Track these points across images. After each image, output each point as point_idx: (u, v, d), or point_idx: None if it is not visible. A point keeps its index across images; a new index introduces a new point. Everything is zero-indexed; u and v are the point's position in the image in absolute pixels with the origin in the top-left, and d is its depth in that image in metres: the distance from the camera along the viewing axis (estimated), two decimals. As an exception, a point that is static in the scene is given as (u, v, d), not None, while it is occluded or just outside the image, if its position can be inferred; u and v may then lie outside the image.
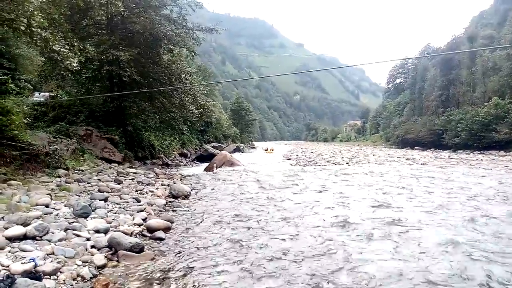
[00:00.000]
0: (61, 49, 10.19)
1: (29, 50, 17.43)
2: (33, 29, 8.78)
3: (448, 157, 32.68)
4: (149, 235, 6.66)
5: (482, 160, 27.91)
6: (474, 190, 11.80)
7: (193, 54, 21.11)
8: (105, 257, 5.17)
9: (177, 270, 4.97)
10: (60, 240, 5.38)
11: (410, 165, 23.81)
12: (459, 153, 38.79)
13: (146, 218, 7.68)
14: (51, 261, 4.57)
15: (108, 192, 9.58)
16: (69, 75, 15.40)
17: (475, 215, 8.11)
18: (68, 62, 10.54)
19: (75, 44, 12.29)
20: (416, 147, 53.85)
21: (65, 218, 6.54)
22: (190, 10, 19.39)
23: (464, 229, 7.02)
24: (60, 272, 4.40)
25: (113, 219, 7.04)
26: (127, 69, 16.45)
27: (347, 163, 26.11)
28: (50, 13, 10.53)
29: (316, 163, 26.68)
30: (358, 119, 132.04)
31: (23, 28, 8.48)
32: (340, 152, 43.53)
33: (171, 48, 19.24)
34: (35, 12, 8.69)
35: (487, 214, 8.16)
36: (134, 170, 14.98)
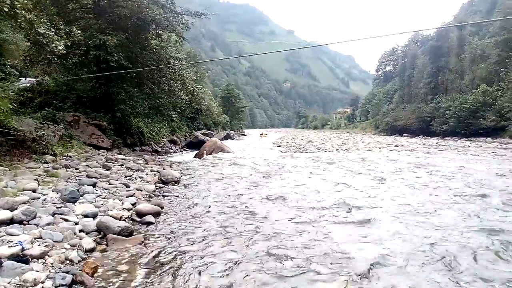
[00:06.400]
0: (46, 32, 9.95)
1: (14, 35, 17.02)
2: (17, 10, 8.55)
3: (436, 143, 33.08)
4: (139, 219, 6.62)
5: (469, 146, 28.30)
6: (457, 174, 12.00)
7: (181, 39, 20.87)
8: (94, 241, 5.13)
9: (167, 254, 4.97)
10: (47, 224, 5.32)
11: (398, 151, 24.04)
12: (447, 140, 39.29)
13: (135, 203, 7.63)
14: (39, 245, 4.52)
15: (97, 177, 9.48)
16: (55, 59, 15.07)
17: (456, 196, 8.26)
18: (54, 45, 10.29)
19: (61, 27, 12.01)
20: (404, 134, 54.36)
21: (53, 203, 6.47)
22: (179, -6, 19.10)
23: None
24: (48, 256, 4.35)
25: (102, 204, 6.98)
26: (115, 54, 16.17)
27: (337, 149, 26.24)
28: (35, -6, 10.26)
29: (306, 150, 26.77)
30: (348, 107, 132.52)
31: (6, 9, 8.24)
32: (330, 139, 43.74)
33: (160, 33, 18.95)
34: (18, -7, 8.45)
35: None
36: (123, 157, 14.86)
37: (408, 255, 4.84)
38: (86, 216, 6.06)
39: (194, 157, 20.49)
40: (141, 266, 4.54)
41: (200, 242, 5.45)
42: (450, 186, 10.04)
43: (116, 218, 6.08)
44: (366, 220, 6.57)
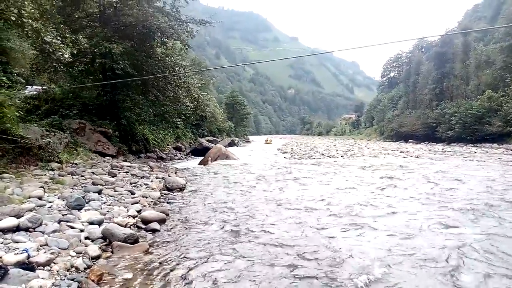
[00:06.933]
0: (53, 40, 10.07)
1: (21, 43, 17.17)
2: (24, 19, 8.67)
3: (442, 150, 32.89)
4: (144, 226, 6.61)
5: (475, 152, 28.10)
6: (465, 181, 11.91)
7: (186, 47, 20.99)
8: (99, 248, 5.13)
9: (172, 261, 4.95)
10: (53, 231, 5.33)
11: (404, 157, 23.92)
12: (452, 146, 39.06)
13: (140, 210, 7.63)
14: (45, 252, 4.53)
15: (102, 184, 9.52)
16: (62, 67, 15.22)
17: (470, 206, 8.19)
18: (60, 53, 10.42)
19: (67, 35, 12.15)
20: (410, 140, 54.09)
21: (59, 210, 6.50)
22: (184, 2, 19.27)
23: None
24: (54, 263, 4.36)
25: (107, 211, 7.00)
26: (120, 62, 16.32)
27: (341, 156, 26.15)
28: (42, 4, 10.39)
29: (311, 156, 26.69)
30: (352, 113, 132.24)
31: (13, 18, 8.36)
32: (335, 145, 43.64)
33: (165, 41, 19.11)
34: (25, 2, 8.57)
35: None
36: (128, 164, 14.90)
37: (409, 258, 4.81)
38: (91, 223, 6.06)
39: (199, 163, 20.51)
40: (147, 274, 4.53)
41: (205, 249, 5.43)
42: (454, 192, 9.96)
43: (121, 225, 6.08)
44: (369, 224, 6.54)
